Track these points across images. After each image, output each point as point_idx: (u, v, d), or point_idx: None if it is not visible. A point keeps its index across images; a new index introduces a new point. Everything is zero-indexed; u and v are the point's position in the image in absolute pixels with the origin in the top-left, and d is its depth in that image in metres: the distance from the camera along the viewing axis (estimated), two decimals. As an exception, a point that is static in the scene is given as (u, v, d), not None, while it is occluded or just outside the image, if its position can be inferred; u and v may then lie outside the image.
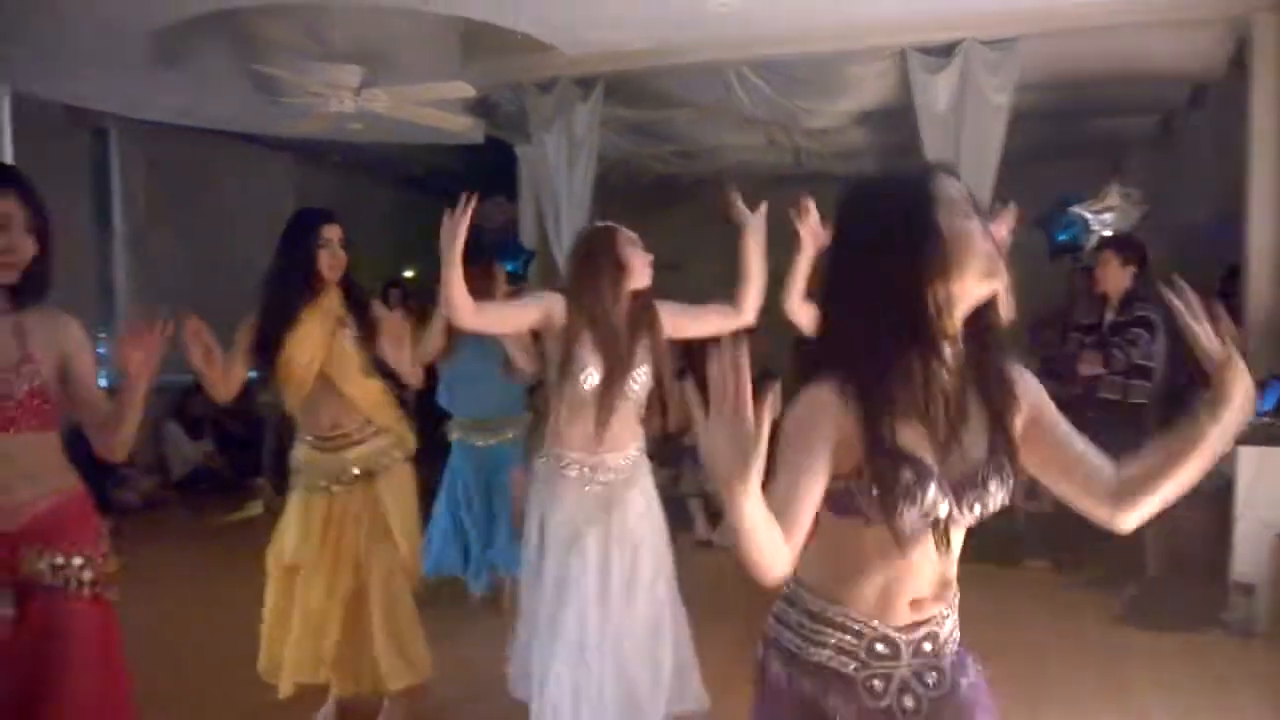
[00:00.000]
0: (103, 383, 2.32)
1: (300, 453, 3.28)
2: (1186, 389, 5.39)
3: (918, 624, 1.45)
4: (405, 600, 3.30)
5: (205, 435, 7.99)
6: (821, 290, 1.44)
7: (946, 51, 5.54)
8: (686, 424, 6.42)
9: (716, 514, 6.08)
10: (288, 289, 3.12)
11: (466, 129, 6.25)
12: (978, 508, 1.41)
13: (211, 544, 6.37)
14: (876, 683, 1.45)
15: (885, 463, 1.33)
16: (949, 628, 1.49)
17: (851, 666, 1.44)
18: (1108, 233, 5.89)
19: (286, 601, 3.23)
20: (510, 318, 2.99)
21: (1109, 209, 5.99)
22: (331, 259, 3.16)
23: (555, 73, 6.17)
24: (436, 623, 3.61)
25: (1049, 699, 3.63)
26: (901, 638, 1.45)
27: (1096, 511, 1.47)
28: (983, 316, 1.41)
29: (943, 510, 1.38)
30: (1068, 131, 7.45)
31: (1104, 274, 4.89)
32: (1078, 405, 5.08)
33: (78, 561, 2.04)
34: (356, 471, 3.21)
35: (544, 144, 6.42)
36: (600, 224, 2.96)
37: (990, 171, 5.54)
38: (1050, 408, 1.49)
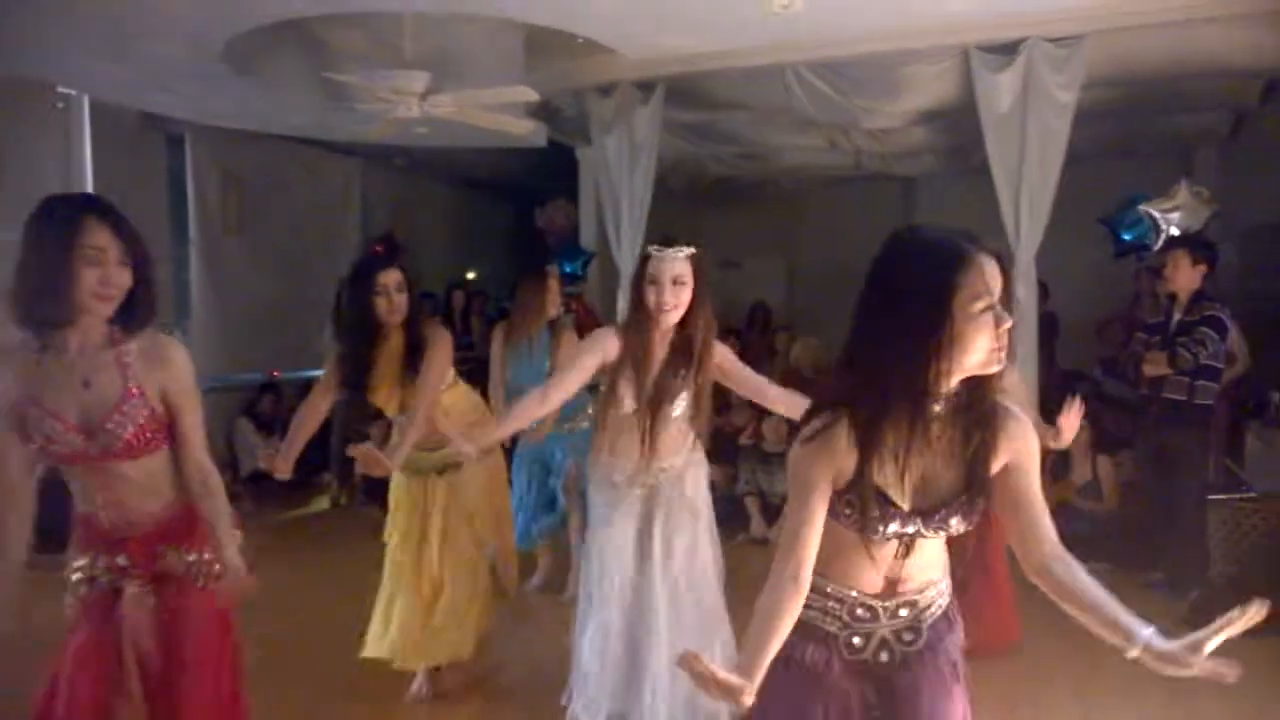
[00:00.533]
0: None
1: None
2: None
3: (895, 594, 1.70)
4: (467, 583, 3.53)
5: (275, 432, 8.21)
6: (851, 325, 1.58)
7: (1010, 49, 5.47)
8: (744, 423, 6.43)
9: (773, 512, 6.09)
10: (353, 335, 3.33)
11: (529, 132, 6.34)
12: (942, 532, 1.65)
13: (279, 537, 6.56)
14: (856, 640, 1.71)
15: (864, 495, 1.58)
16: (931, 595, 1.73)
17: (834, 626, 1.71)
18: (1176, 232, 5.77)
19: (393, 585, 3.55)
20: (578, 380, 2.96)
21: (1178, 208, 5.87)
22: (388, 305, 3.31)
23: (616, 76, 6.24)
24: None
25: (1101, 692, 3.62)
26: (879, 604, 1.70)
27: (1020, 556, 1.68)
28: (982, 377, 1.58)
29: (910, 529, 1.62)
30: (1135, 129, 7.31)
31: (1174, 274, 4.80)
32: (1142, 406, 5.00)
33: (207, 557, 2.20)
34: (443, 467, 3.51)
35: (605, 147, 6.50)
36: (647, 251, 2.94)
37: (1055, 171, 5.47)
38: (1030, 462, 1.65)
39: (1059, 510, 5.69)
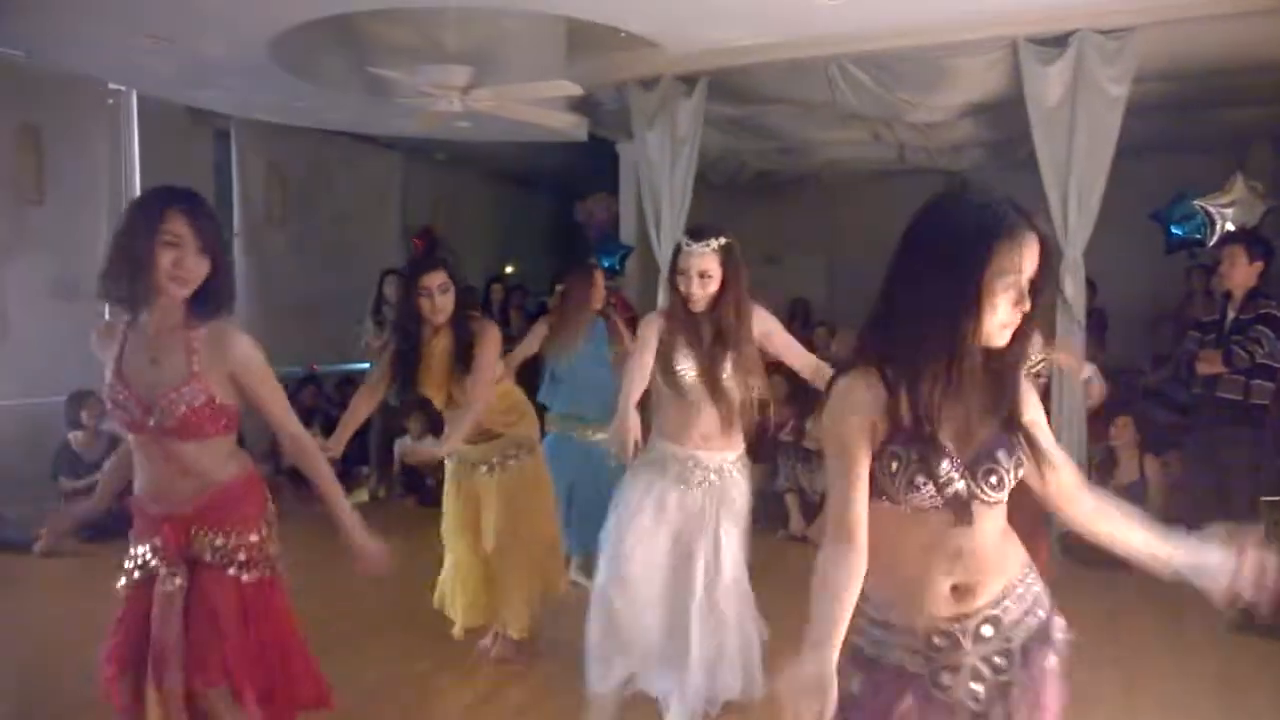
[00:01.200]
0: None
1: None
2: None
3: (970, 613, 1.56)
4: (514, 565, 3.76)
5: (314, 425, 8.30)
6: (885, 283, 1.56)
7: (1060, 42, 5.37)
8: (784, 420, 6.39)
9: (812, 509, 6.04)
10: (401, 335, 3.50)
11: (570, 127, 6.35)
12: (993, 479, 1.54)
13: (320, 529, 6.60)
14: (945, 676, 1.55)
15: (919, 440, 1.50)
16: (1014, 608, 1.59)
17: (919, 664, 1.56)
18: (1231, 227, 5.62)
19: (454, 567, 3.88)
20: (646, 367, 3.03)
21: (1233, 203, 5.72)
22: (431, 306, 3.44)
23: (659, 70, 6.22)
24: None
25: (1145, 694, 3.57)
26: (955, 627, 1.55)
27: (1060, 510, 1.67)
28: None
29: (959, 485, 1.52)
30: (1187, 123, 7.14)
31: (1230, 270, 4.68)
32: (1194, 406, 4.89)
33: (234, 543, 2.26)
34: (494, 460, 3.73)
35: (646, 141, 6.47)
36: (678, 243, 3.06)
37: (1105, 165, 5.36)
38: (1043, 418, 1.66)
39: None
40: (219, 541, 2.24)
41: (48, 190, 6.47)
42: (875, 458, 1.53)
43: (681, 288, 2.98)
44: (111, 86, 6.98)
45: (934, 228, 1.53)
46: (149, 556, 2.24)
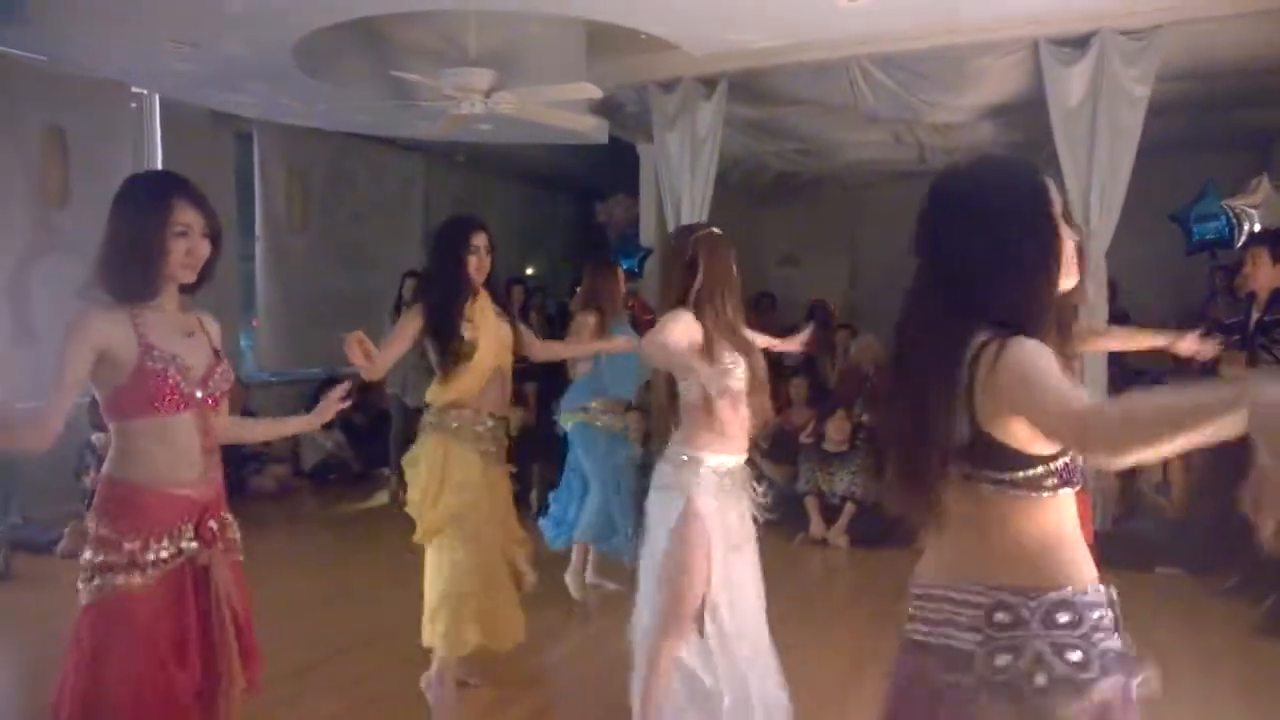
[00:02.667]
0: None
1: (453, 425, 3.47)
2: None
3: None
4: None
5: (334, 427, 8.36)
6: (942, 255, 1.46)
7: (1081, 42, 5.34)
8: (804, 422, 6.37)
9: (832, 512, 6.02)
10: (448, 291, 3.39)
11: (591, 129, 6.36)
12: None
13: (339, 531, 6.68)
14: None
15: None
16: None
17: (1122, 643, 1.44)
18: (1257, 228, 5.57)
19: (478, 573, 3.51)
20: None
21: (1258, 204, 5.67)
22: (479, 264, 3.43)
23: (679, 72, 6.23)
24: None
25: (1171, 700, 3.49)
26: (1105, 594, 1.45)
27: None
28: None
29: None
30: (1211, 123, 7.08)
31: (1254, 271, 4.63)
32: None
33: (231, 525, 2.32)
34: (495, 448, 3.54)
35: (666, 142, 6.48)
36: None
37: (1127, 166, 5.33)
38: None
39: (1130, 511, 5.56)
40: (213, 524, 2.24)
41: (72, 192, 6.54)
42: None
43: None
44: (135, 89, 7.05)
45: (988, 185, 1.47)
46: (185, 543, 2.18)
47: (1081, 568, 1.43)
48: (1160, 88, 5.36)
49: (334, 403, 2.61)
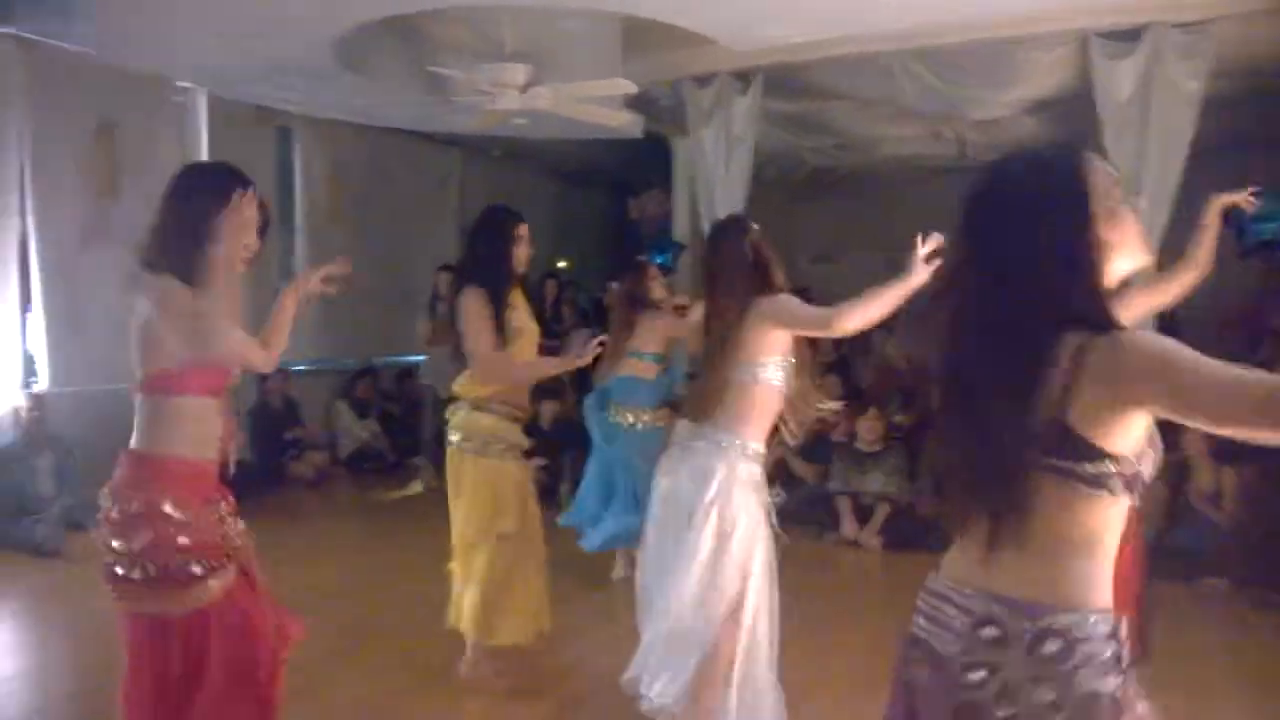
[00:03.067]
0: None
1: (486, 421, 3.46)
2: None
3: None
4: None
5: (370, 415, 8.45)
6: (1002, 254, 1.38)
7: (1132, 36, 5.21)
8: (837, 421, 6.31)
9: (864, 512, 5.96)
10: (496, 277, 3.40)
11: (626, 124, 6.35)
12: None
13: (374, 518, 6.74)
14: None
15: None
16: None
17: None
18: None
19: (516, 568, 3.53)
20: None
21: (1314, 204, 5.51)
22: (522, 254, 3.49)
23: (715, 67, 6.19)
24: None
25: (1214, 714, 3.46)
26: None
27: None
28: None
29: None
30: (1266, 119, 6.89)
31: (1309, 274, 4.51)
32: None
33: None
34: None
35: (701, 138, 6.45)
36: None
37: (1179, 164, 5.20)
38: None
39: (1176, 521, 5.43)
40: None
41: (121, 185, 6.66)
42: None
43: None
44: (181, 85, 7.16)
45: (1029, 178, 1.41)
46: (231, 520, 2.31)
47: (1102, 590, 1.36)
48: (1214, 83, 5.22)
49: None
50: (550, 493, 6.89)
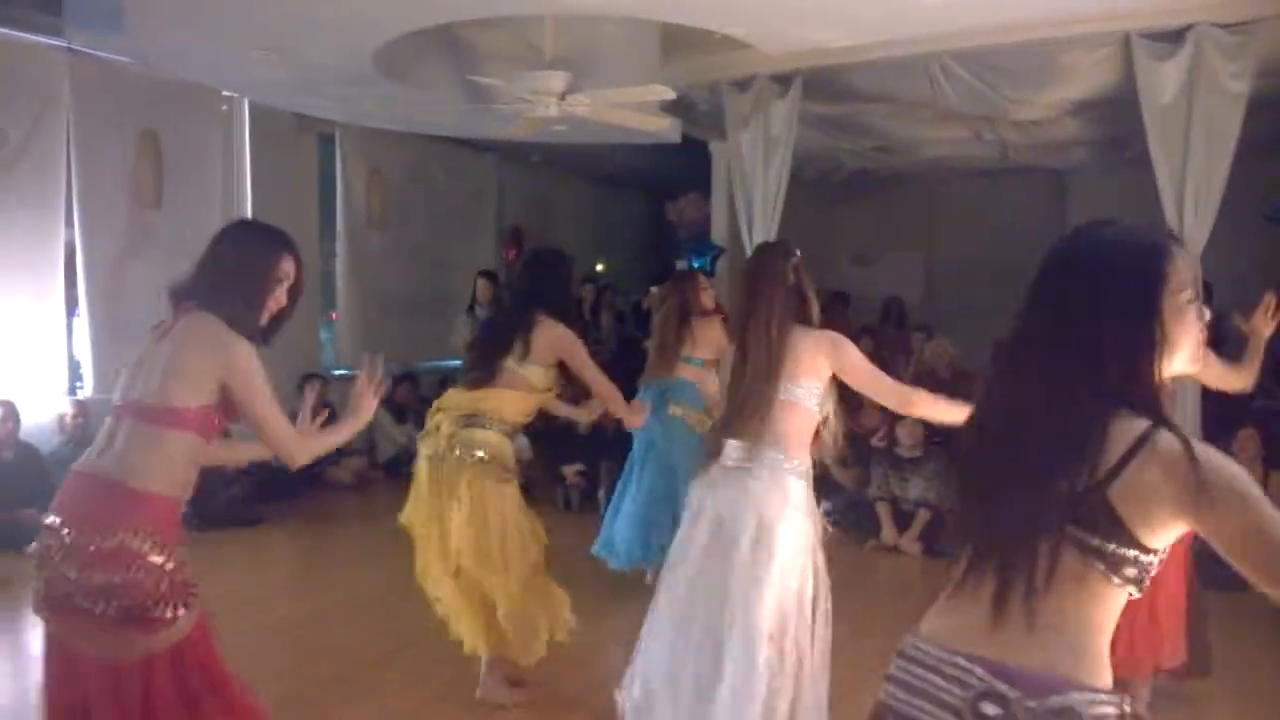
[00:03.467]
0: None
1: (497, 439, 3.47)
2: None
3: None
4: None
5: (409, 420, 8.52)
6: (1071, 331, 1.33)
7: (1176, 36, 5.13)
8: (876, 426, 6.27)
9: (904, 518, 5.91)
10: (570, 317, 3.54)
11: (664, 129, 6.36)
12: None
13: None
14: None
15: None
16: None
17: None
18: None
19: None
20: None
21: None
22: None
23: (753, 70, 6.17)
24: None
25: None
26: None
27: None
28: None
29: None
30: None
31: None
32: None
33: None
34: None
35: (739, 141, 6.43)
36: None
37: (1224, 166, 5.10)
38: None
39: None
40: None
41: (165, 194, 6.79)
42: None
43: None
44: (225, 94, 7.28)
45: (1091, 259, 1.36)
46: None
47: (1108, 672, 1.28)
48: (1260, 84, 5.12)
49: (367, 396, 2.59)
50: (588, 498, 6.93)
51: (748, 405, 2.76)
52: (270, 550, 6.06)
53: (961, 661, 1.28)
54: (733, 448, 2.79)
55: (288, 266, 2.33)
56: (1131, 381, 1.30)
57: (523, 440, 7.29)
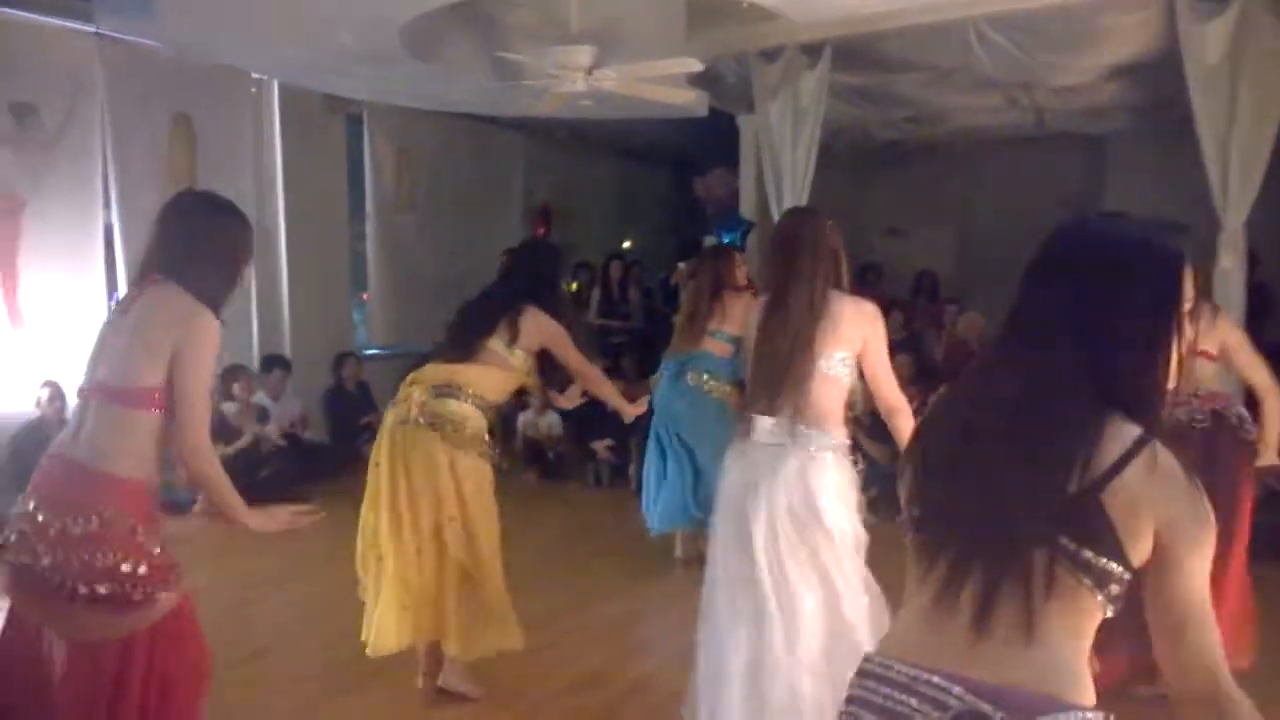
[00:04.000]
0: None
1: (475, 416, 3.45)
2: None
3: None
4: None
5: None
6: (1077, 321, 1.27)
7: (1221, -3, 4.97)
8: (909, 399, 6.18)
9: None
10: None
11: (691, 102, 6.28)
12: None
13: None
14: None
15: None
16: None
17: None
18: None
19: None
20: None
21: None
22: None
23: (782, 41, 6.08)
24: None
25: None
26: None
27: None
28: None
29: None
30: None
31: None
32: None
33: None
34: None
35: (768, 113, 6.35)
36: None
37: (1271, 129, 4.95)
38: None
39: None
40: None
41: (199, 176, 6.84)
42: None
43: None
44: (255, 76, 7.31)
45: (1122, 262, 1.29)
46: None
47: (1091, 688, 1.21)
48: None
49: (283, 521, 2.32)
50: (619, 473, 6.95)
51: (784, 378, 2.67)
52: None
53: (938, 680, 1.19)
54: (766, 425, 2.72)
55: (252, 243, 2.35)
56: (1140, 385, 1.24)
57: (553, 416, 7.34)
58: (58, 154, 6.11)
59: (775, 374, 2.70)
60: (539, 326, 3.41)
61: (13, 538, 2.08)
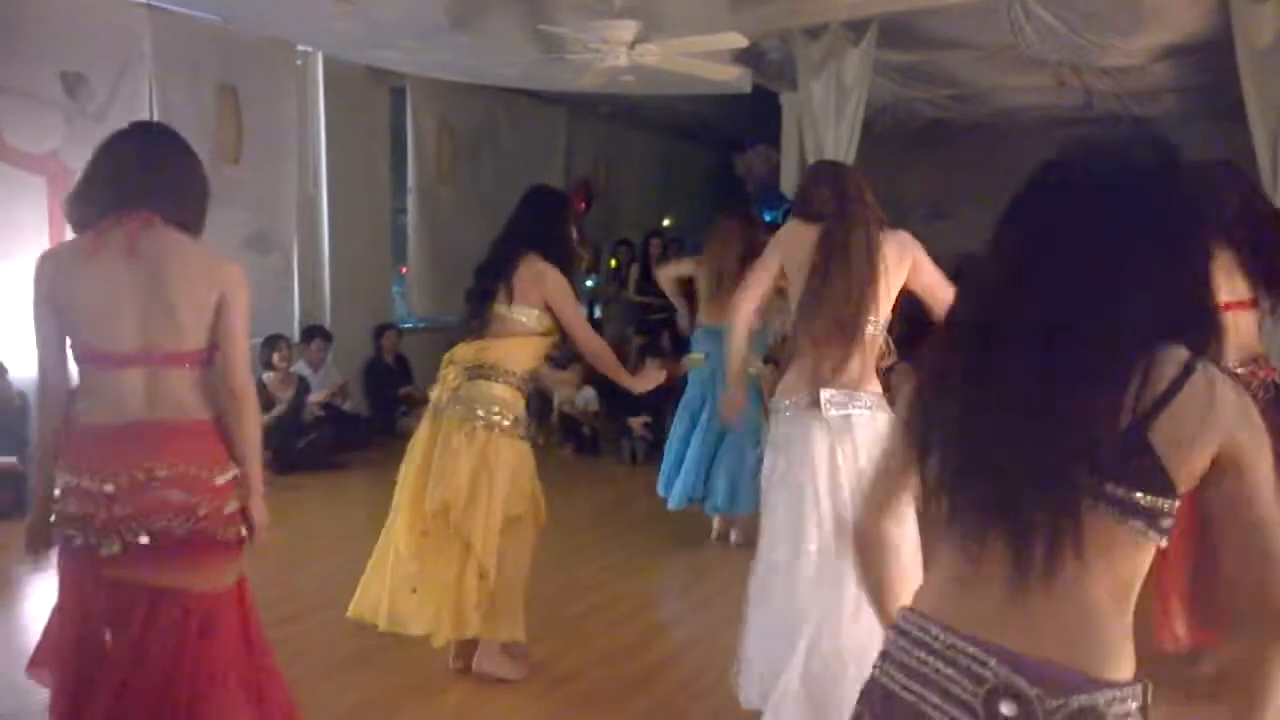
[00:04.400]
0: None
1: (510, 395, 3.39)
2: None
3: None
4: None
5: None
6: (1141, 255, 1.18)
7: (1278, -26, 4.85)
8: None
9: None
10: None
11: (734, 79, 6.24)
12: None
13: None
14: None
15: None
16: None
17: None
18: None
19: None
20: None
21: None
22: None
23: (826, 18, 6.02)
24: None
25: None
26: None
27: None
28: None
29: None
30: None
31: None
32: None
33: None
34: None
35: (811, 91, 6.29)
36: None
37: (1326, 112, 4.84)
38: None
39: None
40: None
41: (244, 147, 6.93)
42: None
43: None
44: (300, 48, 7.38)
45: (1185, 207, 1.24)
46: None
47: (1131, 656, 1.15)
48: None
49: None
50: (654, 449, 6.98)
51: (841, 343, 2.67)
52: (349, 493, 6.23)
53: (974, 650, 1.13)
54: (830, 395, 2.67)
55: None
56: (1191, 306, 1.18)
57: (589, 392, 7.37)
58: (108, 123, 6.19)
59: (827, 337, 2.69)
60: (535, 275, 3.24)
61: (79, 531, 2.07)
